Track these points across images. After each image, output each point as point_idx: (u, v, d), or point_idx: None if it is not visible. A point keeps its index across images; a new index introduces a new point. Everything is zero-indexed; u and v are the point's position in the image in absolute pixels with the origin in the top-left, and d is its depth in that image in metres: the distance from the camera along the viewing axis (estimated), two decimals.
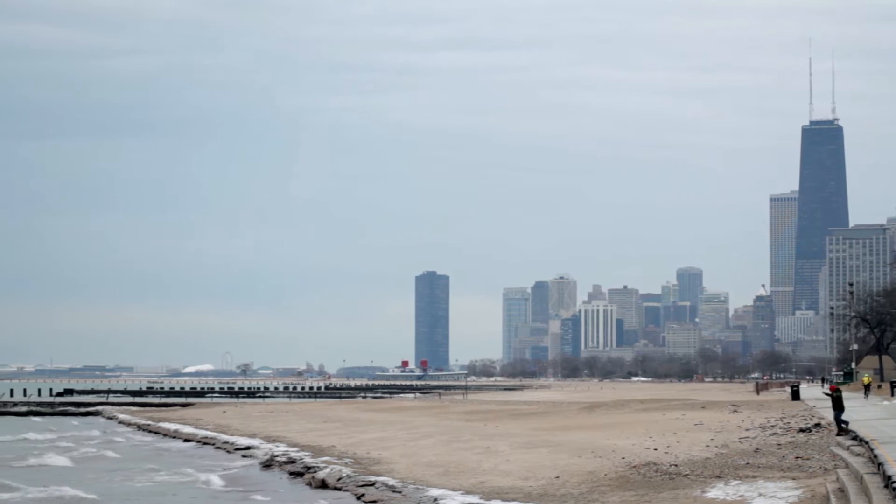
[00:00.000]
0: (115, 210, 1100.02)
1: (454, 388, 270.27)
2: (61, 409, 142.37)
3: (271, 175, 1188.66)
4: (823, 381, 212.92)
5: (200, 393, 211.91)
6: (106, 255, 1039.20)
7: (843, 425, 48.89)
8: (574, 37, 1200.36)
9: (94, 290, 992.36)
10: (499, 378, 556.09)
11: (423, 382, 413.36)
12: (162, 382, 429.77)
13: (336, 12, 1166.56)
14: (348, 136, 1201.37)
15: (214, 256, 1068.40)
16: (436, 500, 38.52)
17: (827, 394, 52.04)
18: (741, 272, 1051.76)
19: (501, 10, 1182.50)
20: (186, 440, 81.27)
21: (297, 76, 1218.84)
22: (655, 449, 50.12)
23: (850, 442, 42.17)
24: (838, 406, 49.30)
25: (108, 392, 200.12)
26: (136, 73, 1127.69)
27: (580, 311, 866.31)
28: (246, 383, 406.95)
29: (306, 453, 58.99)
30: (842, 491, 31.23)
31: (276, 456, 59.46)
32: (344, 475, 47.34)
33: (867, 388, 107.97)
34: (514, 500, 37.23)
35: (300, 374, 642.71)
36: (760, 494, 34.16)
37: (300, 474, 51.85)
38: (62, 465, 61.18)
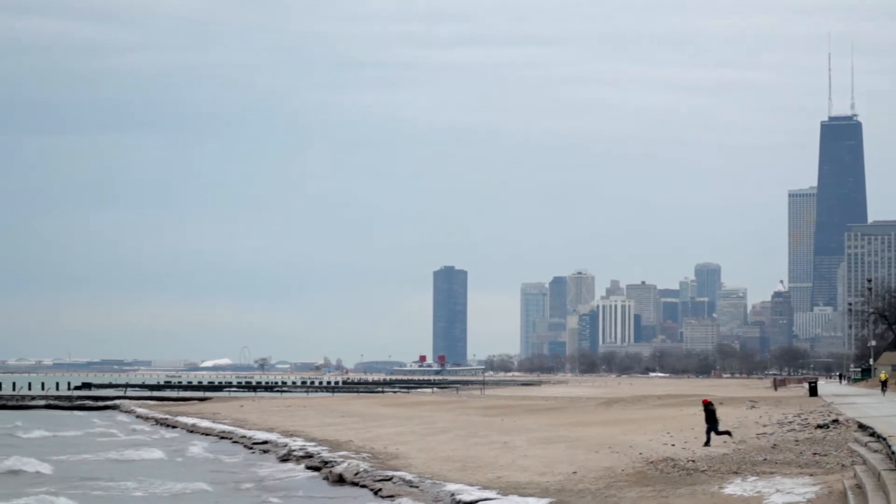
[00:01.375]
0: (122, 206, 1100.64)
1: (472, 383, 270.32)
2: (79, 402, 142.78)
3: (281, 172, 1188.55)
4: (841, 377, 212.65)
5: (218, 387, 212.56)
6: (118, 252, 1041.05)
7: (726, 434, 49.91)
8: (589, 33, 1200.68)
9: (107, 286, 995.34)
10: (516, 373, 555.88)
11: (440, 377, 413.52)
12: (180, 377, 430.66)
13: (347, 8, 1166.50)
14: (359, 133, 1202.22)
15: (229, 253, 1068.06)
16: (453, 494, 38.55)
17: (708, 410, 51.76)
18: (759, 268, 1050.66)
19: (514, 6, 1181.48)
20: (205, 434, 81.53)
21: (307, 73, 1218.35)
22: (673, 445, 50.09)
23: (867, 438, 42.12)
24: (711, 420, 50.18)
25: (127, 386, 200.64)
26: (141, 69, 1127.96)
27: (598, 306, 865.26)
28: (263, 378, 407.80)
29: (324, 448, 59.06)
30: (859, 487, 31.20)
31: (294, 450, 59.58)
32: (361, 470, 47.42)
33: (884, 384, 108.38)
34: (531, 495, 37.25)
35: (318, 368, 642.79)
36: (778, 490, 34.11)
37: (318, 469, 51.96)
38: (158, 457, 62.01)
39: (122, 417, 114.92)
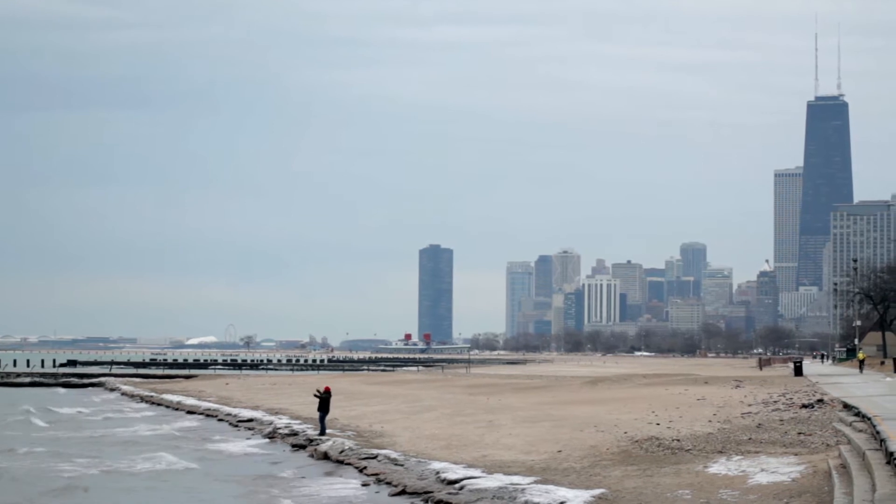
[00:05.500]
0: (114, 184, 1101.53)
1: (457, 361, 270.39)
2: (64, 380, 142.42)
3: (271, 150, 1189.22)
4: (823, 357, 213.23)
5: (203, 365, 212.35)
6: (106, 229, 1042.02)
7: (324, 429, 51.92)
8: (575, 12, 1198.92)
9: (94, 263, 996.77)
10: (502, 352, 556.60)
11: (426, 356, 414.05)
12: (165, 354, 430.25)
13: None
14: (347, 112, 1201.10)
15: (215, 230, 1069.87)
16: (438, 473, 38.51)
17: (316, 395, 54.61)
18: (745, 248, 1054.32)
19: None
20: (190, 412, 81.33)
21: (296, 50, 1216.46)
22: (658, 424, 50.12)
23: (852, 418, 42.15)
24: (323, 408, 52.59)
25: (112, 363, 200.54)
26: (135, 47, 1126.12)
27: (583, 285, 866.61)
28: (249, 356, 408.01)
29: (309, 426, 58.98)
30: (844, 467, 31.20)
31: (279, 428, 59.48)
32: (346, 448, 47.34)
33: (861, 363, 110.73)
34: (516, 473, 37.21)
35: (303, 346, 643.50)
36: (762, 469, 34.12)
37: (303, 447, 51.85)
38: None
39: (130, 403, 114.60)
